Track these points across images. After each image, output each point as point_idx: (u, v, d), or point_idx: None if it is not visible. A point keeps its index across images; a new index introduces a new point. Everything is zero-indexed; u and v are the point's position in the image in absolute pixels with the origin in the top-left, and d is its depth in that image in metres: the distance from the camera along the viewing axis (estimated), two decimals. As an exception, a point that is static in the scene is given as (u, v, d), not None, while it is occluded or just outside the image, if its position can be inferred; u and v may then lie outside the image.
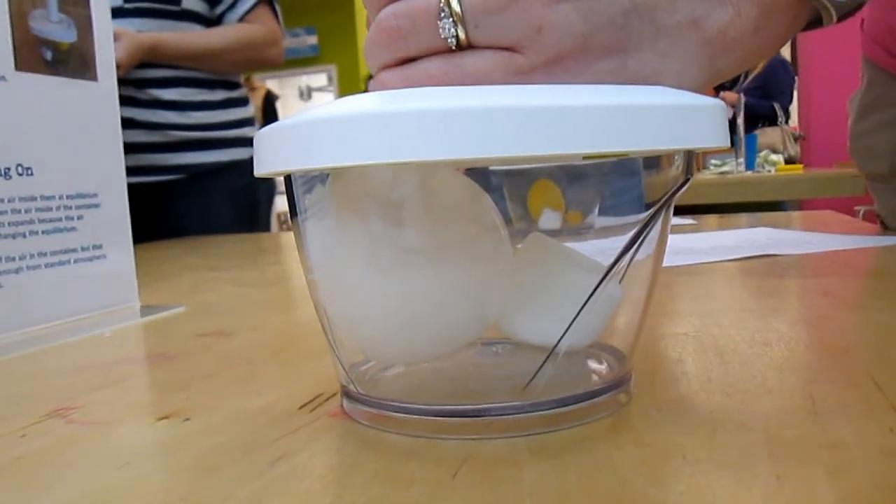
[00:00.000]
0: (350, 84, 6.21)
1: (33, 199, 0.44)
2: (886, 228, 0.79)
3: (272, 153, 0.23)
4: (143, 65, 1.22)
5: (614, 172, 0.25)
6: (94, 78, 0.48)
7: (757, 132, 2.98)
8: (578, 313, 0.23)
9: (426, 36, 0.27)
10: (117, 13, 1.18)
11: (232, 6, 1.31)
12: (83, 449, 0.24)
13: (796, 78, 3.65)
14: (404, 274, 0.25)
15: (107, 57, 0.49)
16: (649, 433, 0.22)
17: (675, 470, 0.20)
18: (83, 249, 0.48)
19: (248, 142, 1.33)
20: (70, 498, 0.20)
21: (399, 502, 0.19)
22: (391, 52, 0.28)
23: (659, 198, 0.24)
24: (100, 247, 0.49)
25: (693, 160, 0.24)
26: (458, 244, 0.25)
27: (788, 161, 3.01)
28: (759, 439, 0.22)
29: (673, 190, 0.24)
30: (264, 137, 0.23)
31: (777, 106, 3.21)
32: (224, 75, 1.35)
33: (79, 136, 0.48)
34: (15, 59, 0.43)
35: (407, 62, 0.28)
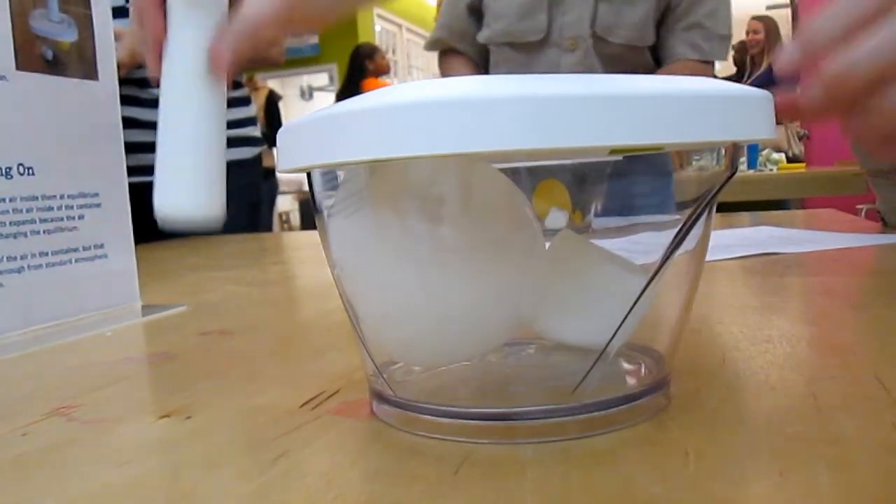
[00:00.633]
0: (351, 84, 6.20)
1: (34, 198, 0.44)
2: (887, 226, 0.79)
3: (306, 146, 0.22)
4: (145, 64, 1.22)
5: (648, 171, 0.24)
6: (95, 77, 0.48)
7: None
8: (629, 313, 0.22)
9: None
10: (118, 12, 1.17)
11: None
12: (84, 447, 0.24)
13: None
14: (440, 271, 0.24)
15: (108, 56, 0.49)
16: (652, 430, 0.22)
17: (678, 467, 0.20)
18: (84, 249, 0.48)
19: (250, 141, 1.33)
20: (71, 496, 0.20)
21: (400, 499, 0.19)
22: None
23: (703, 193, 0.23)
24: (101, 246, 0.49)
25: (738, 153, 0.24)
26: (496, 242, 0.24)
27: (792, 160, 3.01)
28: (761, 436, 0.21)
29: (719, 185, 0.23)
30: (289, 132, 0.22)
31: (782, 103, 3.19)
32: None
33: (80, 135, 0.48)
34: (16, 59, 0.43)
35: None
